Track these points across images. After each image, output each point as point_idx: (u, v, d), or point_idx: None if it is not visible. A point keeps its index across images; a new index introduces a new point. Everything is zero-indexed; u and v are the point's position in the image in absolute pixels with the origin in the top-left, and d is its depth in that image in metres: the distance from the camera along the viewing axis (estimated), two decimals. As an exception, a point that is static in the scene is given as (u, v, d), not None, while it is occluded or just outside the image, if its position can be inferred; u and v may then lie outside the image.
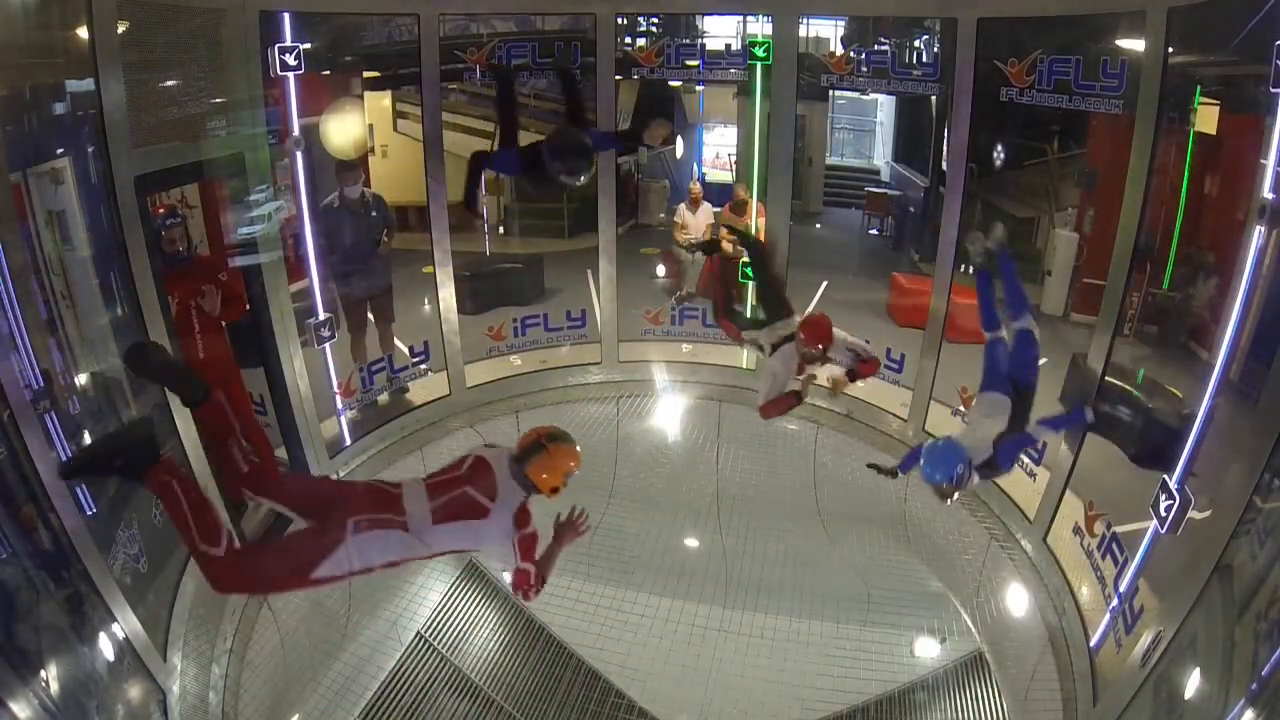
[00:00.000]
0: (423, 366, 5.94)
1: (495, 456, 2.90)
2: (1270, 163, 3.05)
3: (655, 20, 8.59)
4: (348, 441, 5.40)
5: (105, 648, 3.20)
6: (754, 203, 6.33)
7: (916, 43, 8.70)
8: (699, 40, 7.28)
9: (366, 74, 8.51)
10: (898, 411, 5.60)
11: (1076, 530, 4.34)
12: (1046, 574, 4.45)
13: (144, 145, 3.59)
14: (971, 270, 4.31)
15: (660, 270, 8.43)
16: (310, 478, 4.09)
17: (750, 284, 6.03)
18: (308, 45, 4.66)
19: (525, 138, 4.35)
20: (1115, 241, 4.10)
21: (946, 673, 5.42)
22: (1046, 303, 7.70)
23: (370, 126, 9.28)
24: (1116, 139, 5.98)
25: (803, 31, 5.75)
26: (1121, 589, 3.78)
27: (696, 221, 7.83)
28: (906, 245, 10.10)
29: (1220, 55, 4.81)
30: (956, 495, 3.61)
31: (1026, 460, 4.86)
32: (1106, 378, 4.24)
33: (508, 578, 2.92)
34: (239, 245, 4.50)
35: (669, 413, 6.29)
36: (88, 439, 3.21)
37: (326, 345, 5.11)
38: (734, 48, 6.52)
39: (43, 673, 2.78)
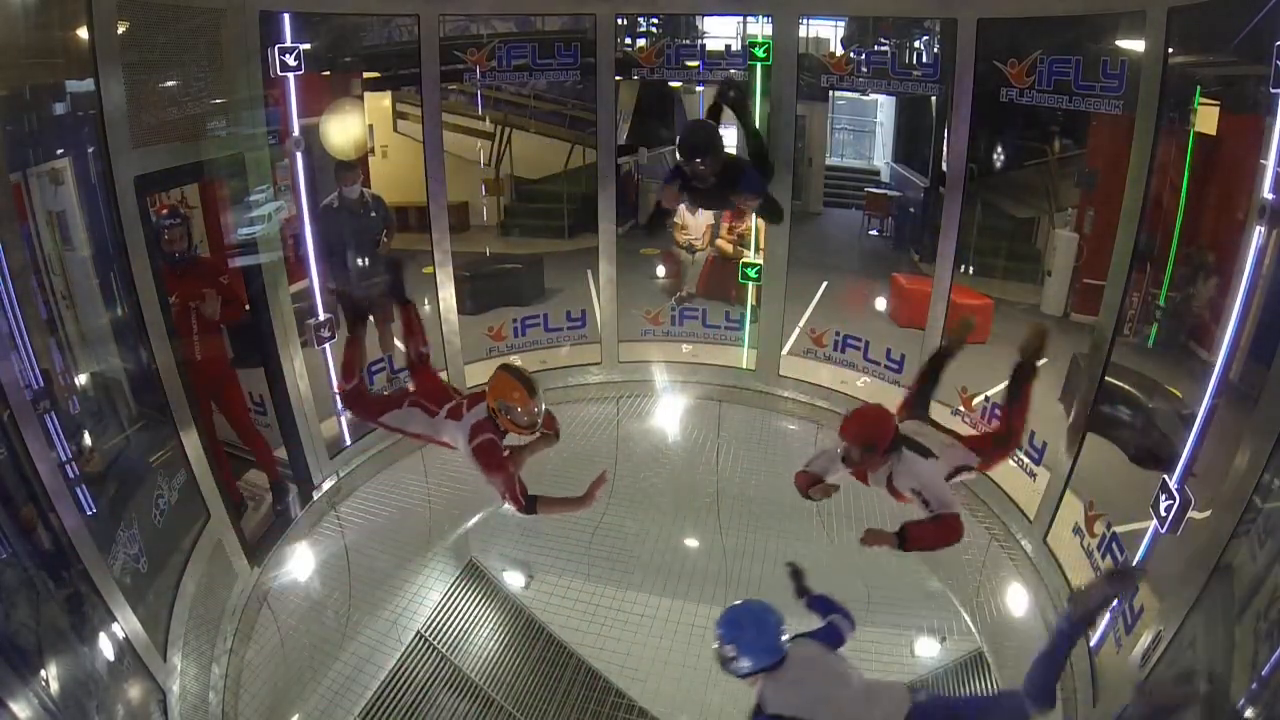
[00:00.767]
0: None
1: None
2: (1270, 163, 3.05)
3: (655, 21, 8.58)
4: (348, 441, 5.40)
5: (105, 648, 3.20)
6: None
7: (916, 43, 8.69)
8: (699, 41, 7.28)
9: (366, 74, 8.50)
10: (898, 412, 5.59)
11: (1076, 530, 4.34)
12: (1046, 574, 4.45)
13: (144, 145, 3.60)
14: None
15: (660, 270, 8.43)
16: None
17: (750, 284, 6.05)
18: (308, 45, 4.66)
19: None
20: (1115, 241, 4.10)
21: (946, 673, 5.41)
22: (1046, 303, 7.70)
23: (370, 127, 9.28)
24: (1116, 139, 5.98)
25: (803, 32, 5.74)
26: (1121, 589, 3.78)
27: (696, 222, 7.84)
28: (906, 245, 10.09)
29: (1220, 55, 4.80)
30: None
31: (1026, 460, 4.86)
32: (1107, 377, 4.23)
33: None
34: (239, 245, 4.51)
35: (669, 413, 6.29)
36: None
37: (326, 345, 5.12)
38: (734, 48, 6.52)
39: (43, 673, 2.78)
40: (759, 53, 5.28)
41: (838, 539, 5.43)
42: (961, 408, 5.34)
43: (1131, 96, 3.97)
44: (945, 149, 6.11)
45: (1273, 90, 2.98)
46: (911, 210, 10.48)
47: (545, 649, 6.04)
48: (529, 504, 3.58)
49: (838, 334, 6.03)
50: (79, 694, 2.99)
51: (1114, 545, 3.99)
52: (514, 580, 6.51)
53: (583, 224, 9.31)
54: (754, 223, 6.38)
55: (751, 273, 5.99)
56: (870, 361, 5.83)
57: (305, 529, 4.96)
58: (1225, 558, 2.89)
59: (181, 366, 3.86)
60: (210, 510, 4.14)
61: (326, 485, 5.20)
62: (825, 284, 8.12)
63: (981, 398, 5.28)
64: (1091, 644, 3.88)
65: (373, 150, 9.46)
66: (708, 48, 6.27)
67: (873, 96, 13.19)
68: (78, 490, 3.08)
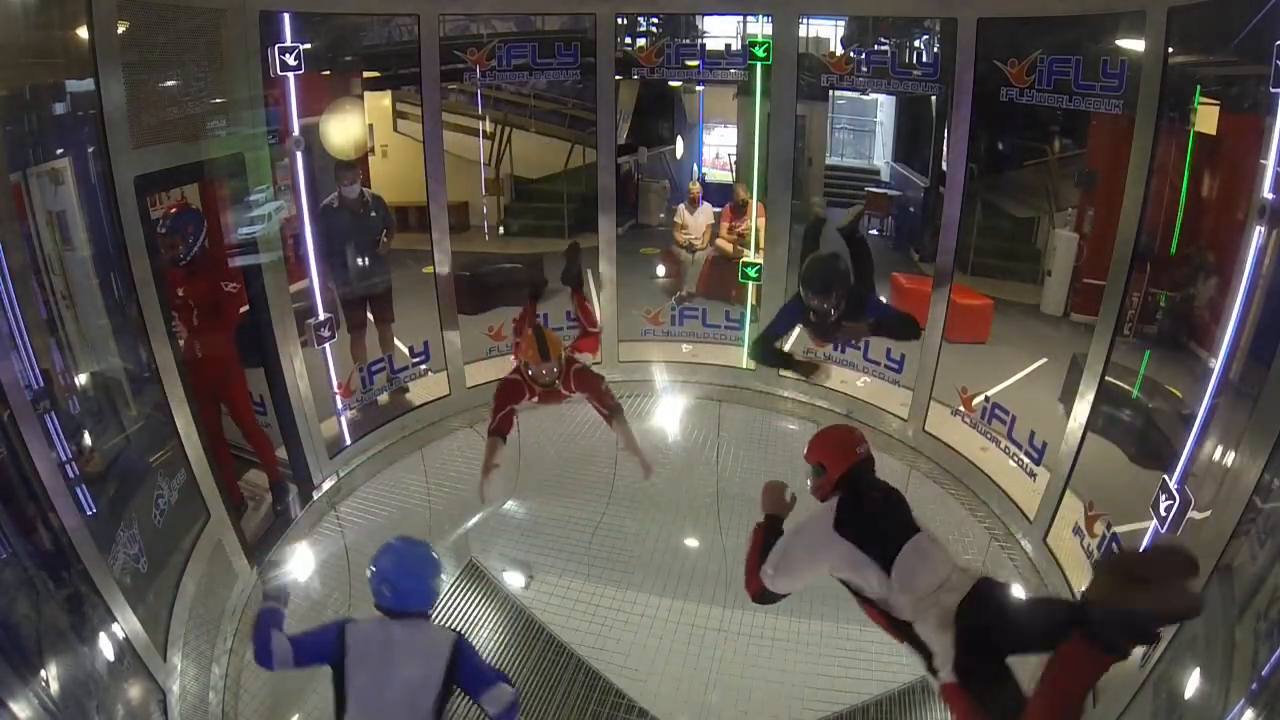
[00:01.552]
0: (423, 366, 5.94)
1: None
2: (1270, 163, 3.05)
3: (655, 20, 8.59)
4: (348, 441, 5.40)
5: (105, 648, 3.20)
6: (754, 203, 6.33)
7: (916, 43, 8.70)
8: (699, 40, 7.28)
9: (366, 74, 8.51)
10: (898, 411, 5.60)
11: (1076, 530, 4.34)
12: (1046, 574, 4.45)
13: (144, 145, 3.59)
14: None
15: (660, 270, 8.43)
16: None
17: (750, 284, 6.05)
18: (308, 45, 4.66)
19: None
20: (1115, 241, 4.10)
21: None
22: (1046, 303, 7.70)
23: (370, 126, 9.28)
24: (1116, 139, 5.99)
25: (803, 32, 5.75)
26: (1121, 589, 3.78)
27: (696, 221, 7.84)
28: (906, 245, 10.10)
29: (1220, 55, 4.81)
30: None
31: (1026, 460, 4.87)
32: (1107, 377, 4.23)
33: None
34: (239, 245, 4.51)
35: (669, 413, 6.29)
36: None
37: (326, 345, 5.12)
38: (734, 48, 6.53)
39: (43, 673, 2.78)
40: (759, 52, 5.28)
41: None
42: (961, 408, 5.34)
43: (1131, 96, 3.97)
44: (945, 149, 6.12)
45: (1273, 90, 2.98)
46: (911, 210, 10.49)
47: (545, 649, 6.04)
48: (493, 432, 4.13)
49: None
50: (79, 694, 2.99)
51: (1114, 545, 4.00)
52: (514, 580, 6.50)
53: (583, 224, 9.32)
54: (754, 223, 6.38)
55: (751, 273, 5.99)
56: (870, 361, 5.83)
57: (305, 529, 4.96)
58: (1225, 558, 2.89)
59: (183, 366, 3.86)
60: (210, 510, 4.14)
61: (326, 485, 5.20)
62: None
63: (981, 397, 5.28)
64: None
65: (373, 150, 9.46)
66: (708, 47, 6.28)
67: (873, 96, 13.20)
68: (78, 490, 3.08)
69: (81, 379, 3.52)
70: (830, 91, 9.06)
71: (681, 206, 7.96)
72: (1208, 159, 5.74)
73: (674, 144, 12.17)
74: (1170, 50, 3.74)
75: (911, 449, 5.50)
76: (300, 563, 4.84)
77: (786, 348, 4.64)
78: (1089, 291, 6.59)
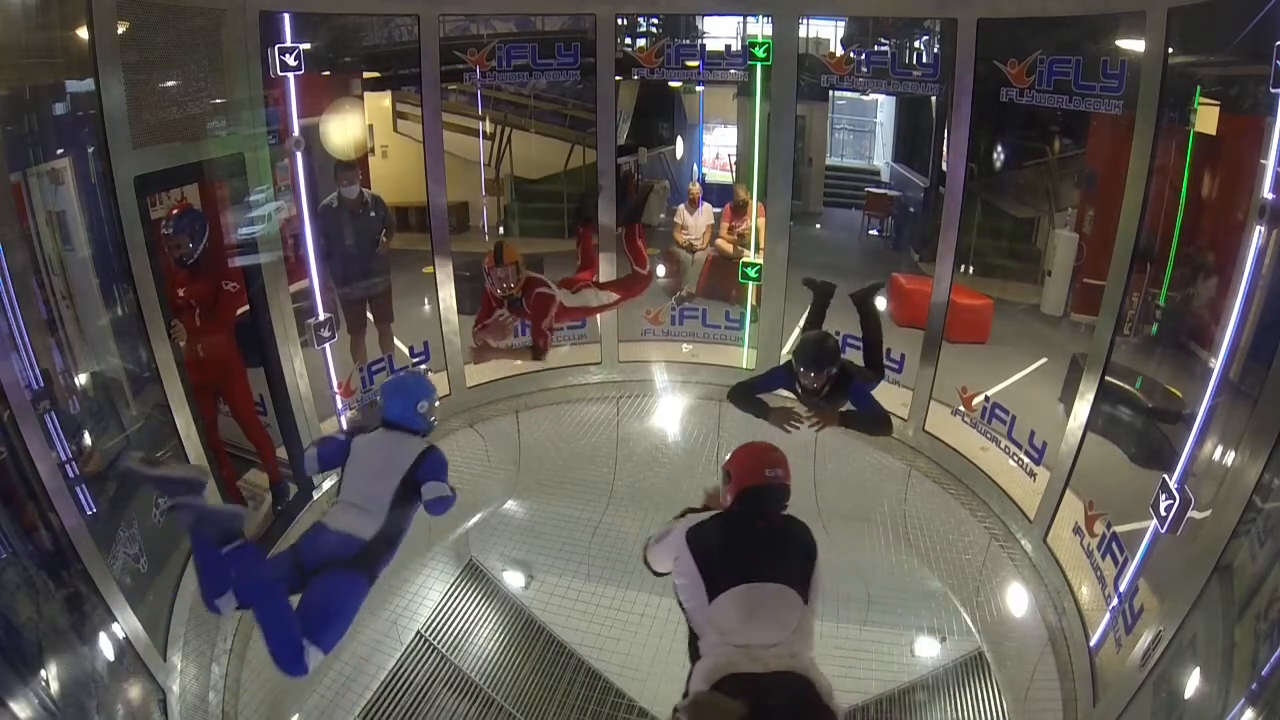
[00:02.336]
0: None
1: None
2: (1270, 163, 3.05)
3: (655, 21, 8.59)
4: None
5: (105, 648, 3.20)
6: (754, 203, 6.33)
7: (916, 43, 8.71)
8: (699, 41, 7.29)
9: (366, 74, 8.51)
10: (898, 411, 5.60)
11: (1076, 530, 4.34)
12: (1046, 574, 4.45)
13: (144, 145, 3.60)
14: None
15: (660, 270, 8.43)
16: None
17: (750, 284, 6.05)
18: (308, 45, 4.66)
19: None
20: (1115, 241, 4.10)
21: (946, 673, 5.42)
22: (1046, 303, 7.71)
23: (370, 127, 9.28)
24: (1116, 139, 5.99)
25: (803, 32, 5.75)
26: (1121, 589, 3.78)
27: (696, 222, 7.84)
28: (906, 245, 10.10)
29: (1220, 55, 4.81)
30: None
31: (1026, 460, 4.87)
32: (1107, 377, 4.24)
33: None
34: (239, 245, 4.51)
35: (669, 413, 6.29)
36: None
37: (326, 345, 5.12)
38: (734, 48, 6.52)
39: (43, 673, 2.78)
40: (759, 53, 5.28)
41: (838, 539, 5.43)
42: (961, 407, 5.34)
43: (1131, 96, 3.97)
44: (945, 149, 6.12)
45: (1273, 90, 2.98)
46: (911, 210, 10.49)
47: (545, 649, 6.05)
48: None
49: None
50: (79, 694, 2.99)
51: (1114, 545, 3.99)
52: (514, 580, 6.51)
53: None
54: (754, 223, 6.38)
55: (751, 273, 5.99)
56: (870, 361, 5.83)
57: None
58: (1225, 558, 2.89)
59: (182, 367, 3.86)
60: (210, 510, 4.14)
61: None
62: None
63: (981, 397, 5.28)
64: (1092, 644, 3.89)
65: (373, 150, 9.46)
66: (708, 48, 6.27)
67: (873, 96, 13.21)
68: (78, 490, 3.08)
69: (81, 379, 3.52)
70: (830, 92, 9.07)
71: (681, 207, 7.96)
72: (1208, 159, 5.73)
73: (674, 144, 12.18)
74: (1170, 50, 3.74)
75: (911, 449, 5.50)
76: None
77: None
78: (1089, 291, 6.59)
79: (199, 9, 3.98)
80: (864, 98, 13.41)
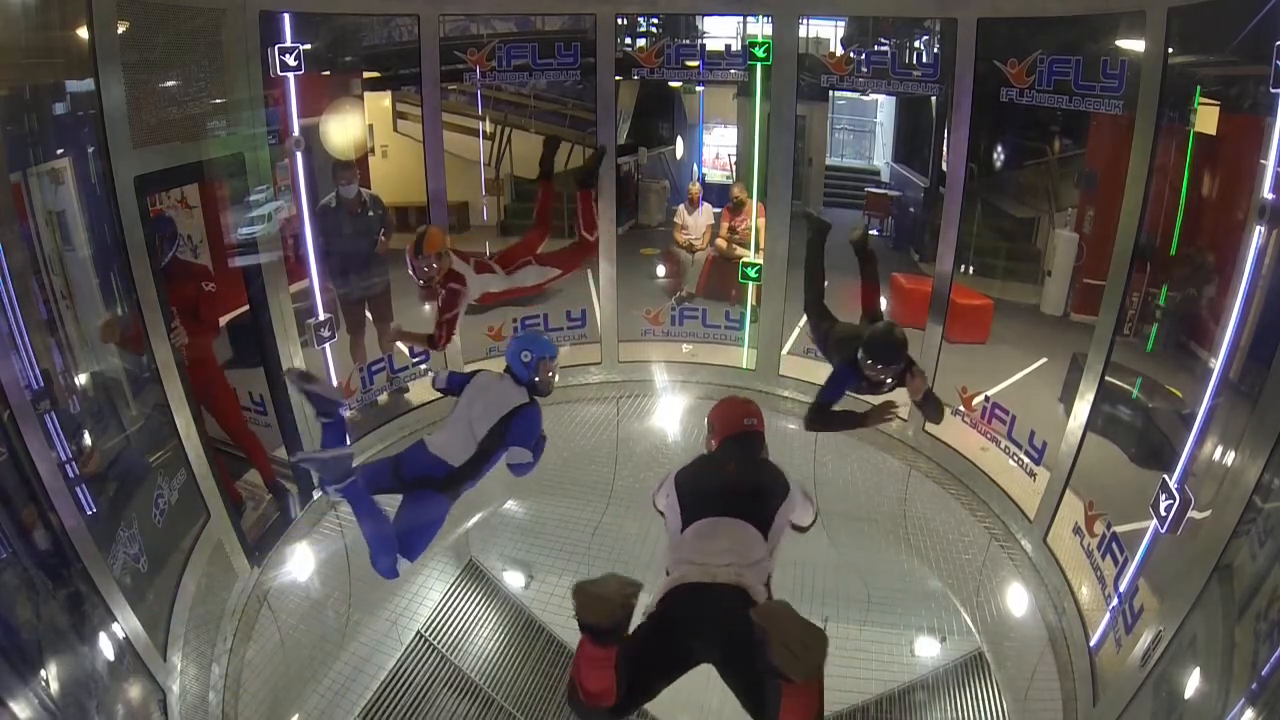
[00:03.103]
0: (423, 366, 5.94)
1: None
2: (1270, 163, 3.05)
3: (655, 21, 8.59)
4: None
5: (105, 648, 3.20)
6: (753, 203, 6.33)
7: (916, 43, 8.70)
8: (699, 41, 7.29)
9: (366, 74, 8.50)
10: (898, 411, 5.59)
11: (1076, 530, 4.34)
12: (1046, 574, 4.45)
13: (144, 145, 3.59)
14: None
15: (660, 270, 8.43)
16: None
17: (750, 284, 6.05)
18: (308, 45, 4.66)
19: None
20: (1115, 241, 4.10)
21: (946, 673, 5.41)
22: (1046, 303, 7.71)
23: (370, 127, 9.28)
24: (1116, 139, 5.99)
25: (803, 32, 5.75)
26: (1121, 589, 3.78)
27: (696, 222, 7.84)
28: (906, 245, 10.10)
29: (1220, 55, 4.81)
30: None
31: (1026, 460, 4.87)
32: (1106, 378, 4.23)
33: None
34: (239, 245, 4.51)
35: (669, 413, 6.29)
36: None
37: (326, 345, 5.11)
38: (734, 48, 6.52)
39: (43, 673, 2.78)
40: (759, 53, 5.28)
41: (837, 539, 5.43)
42: (961, 407, 5.34)
43: (1131, 96, 3.97)
44: (945, 149, 6.12)
45: (1273, 90, 2.98)
46: (911, 210, 10.49)
47: (545, 649, 6.04)
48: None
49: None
50: (79, 694, 2.99)
51: (1114, 545, 3.99)
52: (514, 580, 6.51)
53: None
54: (754, 222, 6.38)
55: (751, 273, 5.99)
56: (870, 361, 5.83)
57: (305, 529, 4.96)
58: (1225, 558, 2.89)
59: (182, 367, 3.86)
60: (210, 510, 4.14)
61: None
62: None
63: (981, 397, 5.28)
64: (1092, 644, 3.89)
65: (372, 150, 9.46)
66: (708, 48, 6.27)
67: (873, 96, 13.21)
68: (78, 490, 3.08)
69: (81, 379, 3.52)
70: (830, 92, 9.06)
71: (681, 207, 7.96)
72: (1208, 159, 5.73)
73: (674, 144, 12.18)
74: (1170, 50, 3.74)
75: (911, 449, 5.50)
76: (300, 563, 4.85)
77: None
78: (1089, 291, 6.59)
79: (199, 9, 3.98)
80: (864, 98, 13.40)
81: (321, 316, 5.06)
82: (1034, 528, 4.59)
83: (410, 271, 4.38)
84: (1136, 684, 3.28)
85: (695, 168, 12.78)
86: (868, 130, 14.11)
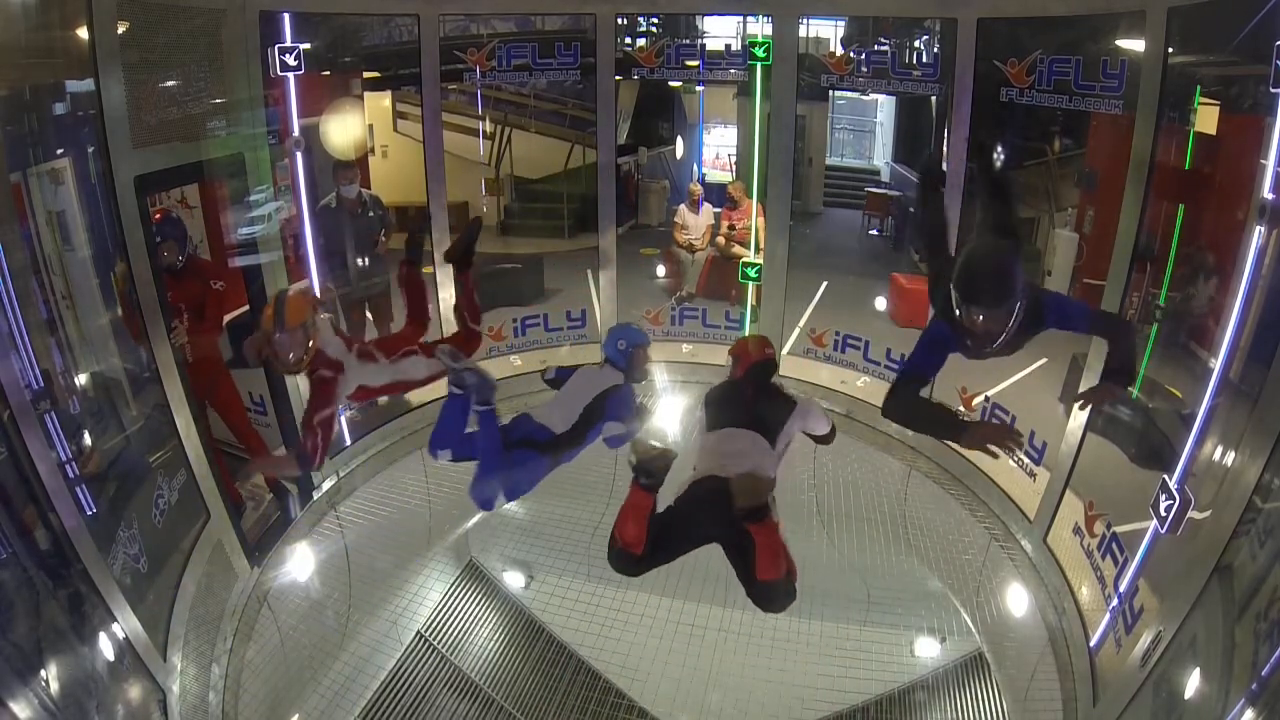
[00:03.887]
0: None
1: None
2: (1270, 163, 3.06)
3: (655, 20, 8.58)
4: (348, 441, 5.40)
5: (105, 648, 3.20)
6: (753, 202, 6.33)
7: (916, 43, 8.70)
8: (699, 41, 7.28)
9: (366, 74, 8.50)
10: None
11: (1076, 530, 4.34)
12: (1046, 574, 4.45)
13: (144, 145, 3.60)
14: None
15: (660, 270, 8.43)
16: None
17: (750, 284, 6.05)
18: (308, 45, 4.67)
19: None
20: (1115, 241, 4.10)
21: (946, 673, 5.42)
22: (1046, 303, 7.69)
23: (370, 127, 9.27)
24: (1116, 139, 5.98)
25: (803, 32, 5.75)
26: (1121, 589, 3.78)
27: (697, 222, 7.84)
28: (906, 245, 10.09)
29: (1220, 55, 4.80)
30: None
31: (1026, 460, 4.87)
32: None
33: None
34: (239, 245, 4.51)
35: (669, 413, 6.29)
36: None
37: (326, 345, 5.10)
38: (734, 48, 6.52)
39: (43, 673, 2.78)
40: (759, 52, 5.28)
41: (838, 539, 5.44)
42: (962, 408, 5.34)
43: (1131, 96, 3.97)
44: (945, 149, 6.11)
45: (1273, 90, 2.98)
46: (911, 210, 10.48)
47: (545, 649, 6.05)
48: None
49: (838, 334, 6.04)
50: (79, 694, 2.99)
51: (1114, 545, 3.99)
52: (514, 580, 6.51)
53: (582, 224, 9.31)
54: (754, 222, 6.38)
55: (751, 273, 5.99)
56: (870, 361, 5.83)
57: (305, 529, 4.96)
58: (1225, 558, 2.89)
59: (182, 366, 3.86)
60: (210, 510, 4.14)
61: (326, 485, 5.20)
62: (825, 284, 8.11)
63: (981, 398, 5.28)
64: (1092, 644, 3.89)
65: (373, 150, 9.45)
66: (708, 47, 6.27)
67: (873, 96, 13.20)
68: (78, 490, 3.08)
69: (81, 379, 3.52)
70: (830, 92, 9.05)
71: (682, 207, 7.96)
72: (1208, 159, 5.73)
73: (674, 144, 12.18)
74: (1170, 50, 3.74)
75: (911, 449, 5.50)
76: (300, 563, 4.85)
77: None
78: (1089, 291, 6.58)
79: (199, 9, 3.98)
80: (864, 98, 13.39)
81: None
82: (1034, 528, 4.59)
83: (268, 354, 3.21)
84: (1136, 684, 3.28)
85: (695, 168, 12.78)
86: (868, 130, 14.10)
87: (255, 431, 4.88)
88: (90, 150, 3.53)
